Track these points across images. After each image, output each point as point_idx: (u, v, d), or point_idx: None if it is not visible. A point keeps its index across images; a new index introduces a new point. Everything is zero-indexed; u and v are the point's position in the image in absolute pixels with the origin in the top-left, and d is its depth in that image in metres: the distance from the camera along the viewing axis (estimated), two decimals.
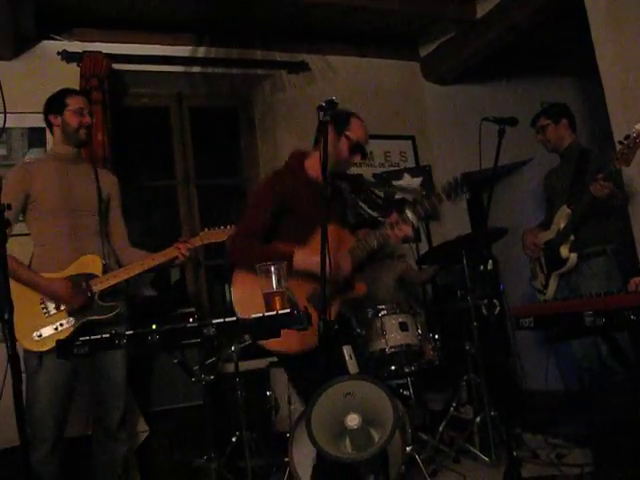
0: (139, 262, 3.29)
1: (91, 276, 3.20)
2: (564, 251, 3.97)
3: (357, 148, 3.07)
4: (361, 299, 3.02)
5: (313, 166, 3.08)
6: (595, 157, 4.01)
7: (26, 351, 3.03)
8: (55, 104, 3.38)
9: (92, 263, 3.23)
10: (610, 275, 3.89)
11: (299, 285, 2.86)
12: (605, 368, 3.81)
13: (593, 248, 3.93)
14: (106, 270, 3.26)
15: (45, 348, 3.01)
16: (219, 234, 3.44)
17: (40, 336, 3.04)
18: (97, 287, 3.18)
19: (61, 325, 3.09)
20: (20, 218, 3.27)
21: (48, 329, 3.06)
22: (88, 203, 3.34)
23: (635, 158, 3.38)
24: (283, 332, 2.64)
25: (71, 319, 3.11)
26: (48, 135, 4.56)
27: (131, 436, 3.50)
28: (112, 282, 3.22)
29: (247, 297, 2.88)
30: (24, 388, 3.00)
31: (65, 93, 3.41)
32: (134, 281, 3.81)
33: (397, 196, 5.52)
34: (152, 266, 3.32)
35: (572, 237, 3.94)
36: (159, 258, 3.33)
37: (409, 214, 2.91)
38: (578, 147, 4.19)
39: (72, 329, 3.09)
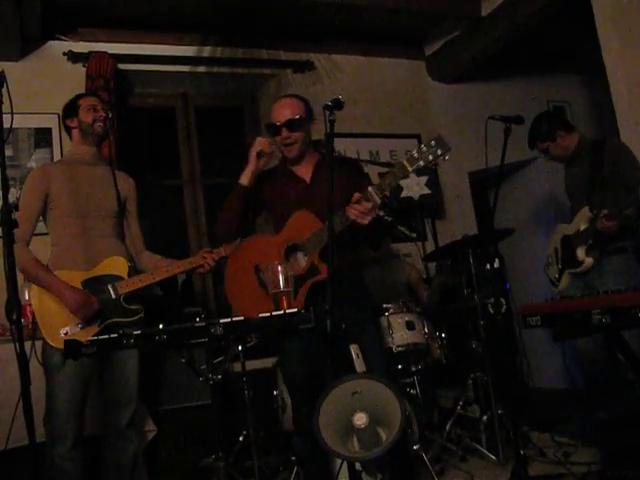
0: (164, 268, 3.31)
1: (117, 278, 3.22)
2: (580, 253, 3.90)
3: (271, 128, 3.07)
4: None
5: (295, 165, 3.15)
6: (610, 147, 3.89)
7: (50, 347, 3.06)
8: (69, 108, 3.42)
9: (119, 265, 3.25)
10: (630, 272, 3.79)
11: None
12: (611, 365, 3.81)
13: (613, 245, 3.83)
14: (131, 273, 3.28)
15: None
16: None
17: (66, 334, 3.05)
18: (123, 290, 3.20)
19: (87, 324, 3.10)
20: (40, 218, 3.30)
21: (74, 327, 3.08)
22: (104, 206, 3.35)
23: None
24: (245, 302, 2.91)
25: (98, 320, 3.13)
26: (54, 135, 4.61)
27: (139, 435, 3.49)
28: (138, 286, 3.23)
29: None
30: (43, 384, 3.07)
31: (77, 97, 3.46)
32: None
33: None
34: (177, 273, 3.35)
35: (590, 241, 3.84)
36: (184, 265, 3.35)
37: (371, 190, 2.74)
38: (588, 142, 4.07)
39: (97, 329, 3.10)
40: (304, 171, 3.11)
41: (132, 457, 3.30)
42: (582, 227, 3.90)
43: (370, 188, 2.74)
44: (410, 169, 2.69)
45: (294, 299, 2.70)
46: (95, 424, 3.52)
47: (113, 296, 3.18)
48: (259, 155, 3.02)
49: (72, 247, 3.24)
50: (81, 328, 3.09)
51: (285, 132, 3.01)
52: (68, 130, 3.44)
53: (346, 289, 2.88)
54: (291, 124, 3.00)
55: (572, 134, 4.10)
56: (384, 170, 5.38)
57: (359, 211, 2.72)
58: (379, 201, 2.72)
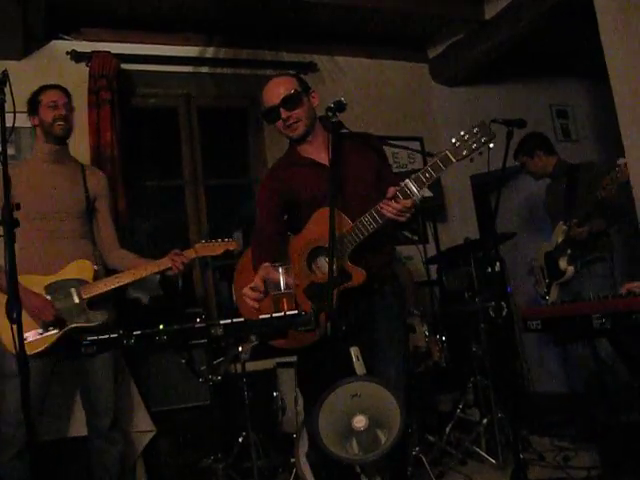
0: (131, 271, 3.20)
1: (81, 282, 3.11)
2: (562, 263, 4.16)
3: (268, 114, 2.77)
4: (358, 287, 2.56)
5: (307, 149, 2.82)
6: (584, 170, 4.22)
7: (7, 353, 2.93)
8: (31, 104, 3.26)
9: (84, 268, 3.14)
10: (609, 279, 4.08)
11: (296, 277, 2.61)
12: (607, 368, 3.87)
13: (593, 255, 4.10)
14: (97, 277, 3.17)
15: (30, 352, 2.84)
16: (215, 247, 3.33)
17: (25, 340, 2.91)
18: (87, 294, 3.09)
19: (47, 330, 3.00)
20: None
21: (34, 333, 2.96)
22: (72, 205, 3.23)
23: None
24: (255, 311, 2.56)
25: (57, 325, 3.00)
26: None
27: (124, 436, 3.41)
28: (103, 290, 3.13)
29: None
30: None
31: (39, 90, 3.28)
32: (142, 282, 3.78)
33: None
34: (144, 275, 3.22)
35: (569, 251, 4.11)
36: (152, 268, 3.23)
37: (409, 183, 2.43)
38: (564, 166, 4.39)
39: (58, 335, 3.00)
40: (321, 156, 2.77)
41: (118, 458, 3.22)
42: (560, 240, 4.16)
43: (409, 182, 2.44)
44: (454, 160, 2.42)
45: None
46: (77, 426, 3.45)
47: (77, 300, 3.07)
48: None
49: (35, 250, 3.13)
50: (40, 334, 2.98)
51: (284, 112, 2.69)
52: (34, 127, 3.28)
53: (381, 290, 2.73)
54: (288, 101, 2.69)
55: (550, 157, 4.44)
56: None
57: (397, 210, 2.44)
58: (420, 196, 2.45)
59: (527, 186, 6.48)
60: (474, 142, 2.41)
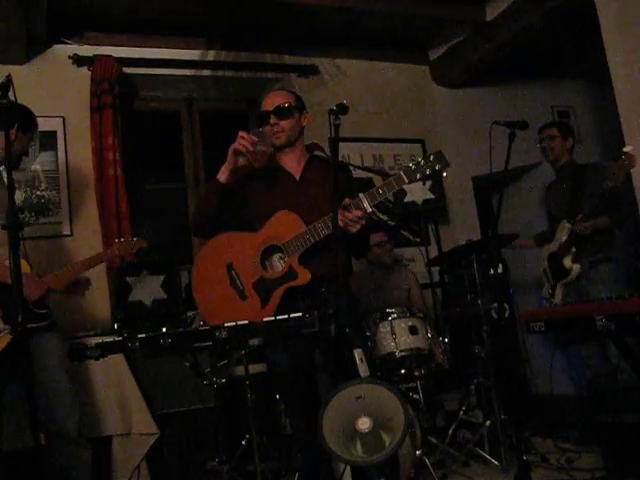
0: (67, 269, 3.16)
1: None
2: (567, 262, 4.14)
3: (261, 117, 3.03)
4: (305, 286, 2.75)
5: (282, 158, 3.05)
6: (591, 170, 4.19)
7: None
8: None
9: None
10: (617, 280, 4.04)
11: (246, 270, 2.84)
12: (611, 369, 3.87)
13: (600, 255, 4.08)
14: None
15: None
16: (130, 246, 3.40)
17: None
18: (34, 295, 3.01)
19: None
20: None
21: None
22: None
23: None
24: (214, 304, 2.81)
25: (8, 327, 2.91)
26: (59, 138, 4.62)
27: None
28: (48, 287, 3.06)
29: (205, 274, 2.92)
30: None
31: None
32: (145, 285, 3.77)
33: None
34: (81, 272, 3.21)
35: (573, 249, 4.10)
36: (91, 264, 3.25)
37: (362, 198, 2.66)
38: (573, 164, 4.39)
39: (9, 337, 2.91)
40: (293, 167, 3.02)
41: (89, 464, 3.11)
42: (563, 239, 4.15)
43: (361, 195, 2.67)
44: (407, 181, 2.67)
45: (267, 302, 2.72)
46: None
47: None
48: (236, 153, 2.91)
49: None
50: None
51: (273, 119, 2.95)
52: None
53: (327, 295, 2.82)
54: (279, 111, 2.95)
55: (570, 153, 4.43)
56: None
57: (348, 218, 2.66)
58: (370, 210, 2.67)
59: (530, 187, 6.50)
60: (427, 168, 2.65)
